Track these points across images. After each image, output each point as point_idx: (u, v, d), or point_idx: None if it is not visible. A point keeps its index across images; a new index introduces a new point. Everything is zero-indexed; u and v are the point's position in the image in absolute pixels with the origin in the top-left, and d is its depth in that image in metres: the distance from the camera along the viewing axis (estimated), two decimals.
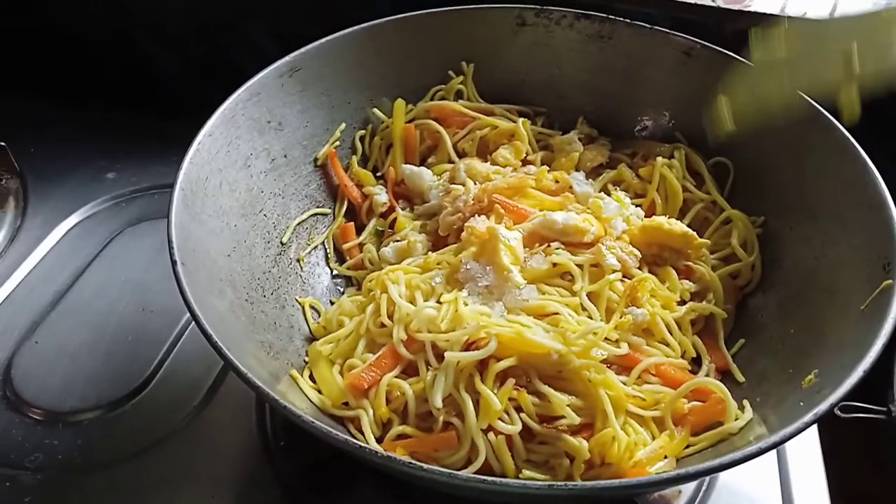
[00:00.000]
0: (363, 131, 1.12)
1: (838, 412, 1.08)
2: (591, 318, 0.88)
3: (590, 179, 1.06)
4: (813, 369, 0.79)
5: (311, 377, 0.89)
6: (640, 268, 0.94)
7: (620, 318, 0.88)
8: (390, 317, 0.88)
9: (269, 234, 1.00)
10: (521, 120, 1.09)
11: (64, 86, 1.45)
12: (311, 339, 0.96)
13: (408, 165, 1.09)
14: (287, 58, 1.01)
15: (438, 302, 0.87)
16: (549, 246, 0.93)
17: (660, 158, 1.05)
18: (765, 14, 1.16)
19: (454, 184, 1.02)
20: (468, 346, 0.82)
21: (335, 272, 1.06)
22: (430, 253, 0.96)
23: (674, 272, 0.95)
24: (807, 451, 0.98)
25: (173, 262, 0.77)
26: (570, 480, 0.79)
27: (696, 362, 0.93)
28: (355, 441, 0.70)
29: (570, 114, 1.14)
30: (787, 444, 0.97)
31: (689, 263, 0.97)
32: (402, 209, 1.07)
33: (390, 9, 1.10)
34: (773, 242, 0.98)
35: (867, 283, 0.80)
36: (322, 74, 1.05)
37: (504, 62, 1.14)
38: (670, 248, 0.96)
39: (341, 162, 1.10)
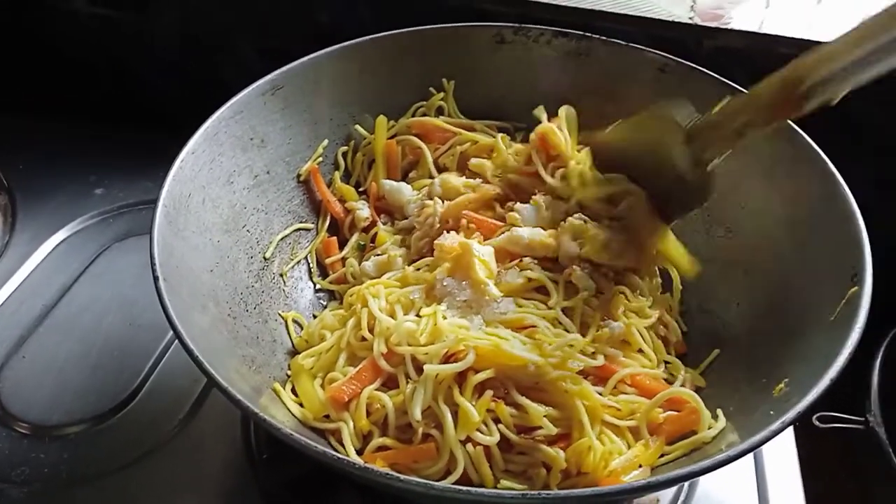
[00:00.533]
0: (346, 147, 1.14)
1: (817, 422, 1.11)
2: (567, 331, 0.89)
3: None
4: (784, 378, 0.80)
5: (294, 391, 0.90)
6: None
7: (597, 331, 0.90)
8: (371, 330, 0.89)
9: (253, 249, 1.01)
10: (499, 135, 1.10)
11: (52, 101, 1.46)
12: (294, 352, 0.97)
13: (388, 181, 1.10)
14: (269, 76, 1.03)
15: (418, 315, 0.88)
16: (521, 261, 0.94)
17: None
18: (740, 31, 1.19)
19: (431, 199, 1.03)
20: (447, 359, 0.83)
21: (318, 286, 1.07)
22: (407, 268, 0.97)
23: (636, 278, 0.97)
24: (784, 460, 0.99)
25: (155, 279, 0.78)
26: (547, 490, 0.80)
27: None
28: (333, 452, 0.72)
29: None
30: (765, 454, 0.99)
31: None
32: (384, 223, 1.08)
33: (375, 26, 1.11)
34: (744, 253, 1.00)
35: (837, 293, 0.82)
36: (304, 92, 1.07)
37: (484, 79, 1.15)
38: None
39: (324, 178, 1.11)
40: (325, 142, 1.11)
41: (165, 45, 1.44)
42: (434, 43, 1.13)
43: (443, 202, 1.02)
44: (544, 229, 0.97)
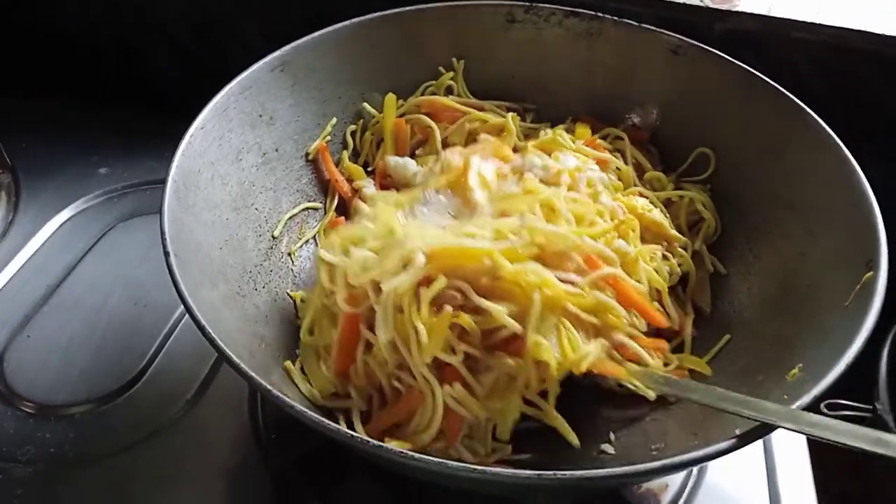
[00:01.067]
0: (354, 126, 1.13)
1: (825, 410, 1.10)
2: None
3: None
4: (797, 363, 0.79)
5: (303, 370, 0.89)
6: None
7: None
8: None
9: (261, 227, 1.00)
10: (509, 115, 1.10)
11: (56, 81, 1.45)
12: None
13: (393, 157, 1.08)
14: (279, 52, 1.02)
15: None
16: (523, 175, 0.90)
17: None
18: (752, 14, 1.18)
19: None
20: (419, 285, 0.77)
21: None
22: None
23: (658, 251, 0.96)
24: (794, 449, 0.99)
25: (166, 254, 0.77)
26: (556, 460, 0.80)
27: None
28: (347, 431, 0.71)
29: (558, 110, 1.15)
30: (775, 443, 0.99)
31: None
32: None
33: (382, 4, 1.10)
34: (755, 237, 0.99)
35: (851, 278, 0.81)
36: (313, 69, 1.06)
37: (494, 58, 1.14)
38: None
39: (332, 157, 1.10)
40: (334, 120, 1.10)
41: (169, 25, 1.43)
42: (444, 21, 1.11)
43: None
44: None
